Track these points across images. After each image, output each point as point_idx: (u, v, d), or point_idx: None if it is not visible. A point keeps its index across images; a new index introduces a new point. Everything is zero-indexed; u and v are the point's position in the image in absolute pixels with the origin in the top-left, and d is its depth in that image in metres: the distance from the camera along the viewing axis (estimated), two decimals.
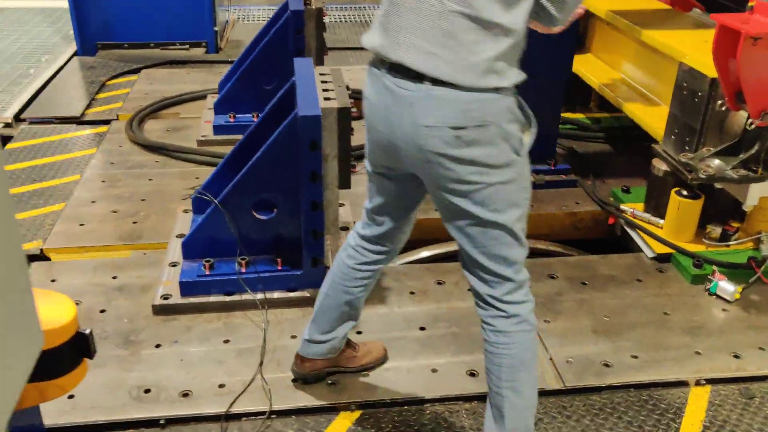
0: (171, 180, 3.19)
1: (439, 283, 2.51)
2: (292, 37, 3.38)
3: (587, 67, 3.62)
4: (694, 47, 2.65)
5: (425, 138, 1.49)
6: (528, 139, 1.58)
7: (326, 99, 2.27)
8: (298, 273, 2.38)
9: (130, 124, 3.69)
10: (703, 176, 2.27)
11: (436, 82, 1.45)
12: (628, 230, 2.83)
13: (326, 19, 3.60)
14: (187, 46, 5.09)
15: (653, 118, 2.93)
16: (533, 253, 2.87)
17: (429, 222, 2.91)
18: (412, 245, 2.91)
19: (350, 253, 1.89)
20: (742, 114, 2.27)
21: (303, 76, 2.47)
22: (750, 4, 2.11)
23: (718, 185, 2.45)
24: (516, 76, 1.50)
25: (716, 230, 2.65)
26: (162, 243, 2.65)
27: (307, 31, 3.44)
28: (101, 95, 4.22)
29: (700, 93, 2.44)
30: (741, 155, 2.28)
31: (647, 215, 2.80)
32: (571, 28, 3.03)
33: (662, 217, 2.74)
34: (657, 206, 2.79)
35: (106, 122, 3.83)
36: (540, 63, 3.05)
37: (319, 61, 3.54)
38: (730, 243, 2.62)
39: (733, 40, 2.06)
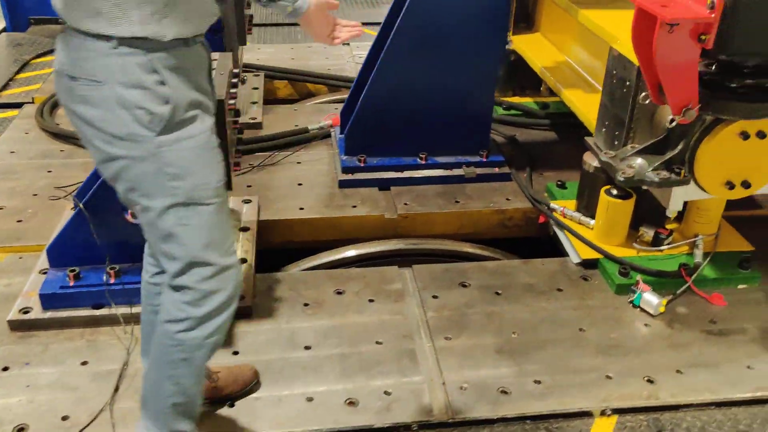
0: (73, 172, 2.94)
1: (339, 293, 2.28)
2: None
3: (532, 48, 3.35)
4: (629, 31, 2.39)
5: (56, 85, 1.41)
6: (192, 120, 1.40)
7: None
8: None
9: (41, 108, 3.43)
10: (621, 178, 2.03)
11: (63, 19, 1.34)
12: (557, 231, 2.59)
13: None
14: None
15: (590, 107, 2.67)
16: (450, 256, 2.68)
17: (342, 221, 2.68)
18: (325, 247, 2.70)
19: (145, 266, 1.68)
20: (668, 109, 2.02)
21: None
22: None
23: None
24: (141, 26, 1.29)
25: (649, 233, 2.41)
26: (42, 245, 2.41)
27: (225, 7, 3.16)
28: (22, 75, 3.96)
29: (628, 83, 2.19)
30: (665, 155, 2.03)
31: (578, 215, 2.56)
32: (502, 3, 2.82)
33: (594, 217, 2.50)
34: (588, 205, 2.55)
35: (20, 105, 3.58)
36: (466, 42, 2.85)
37: (241, 41, 3.27)
38: (663, 248, 2.38)
39: (650, 25, 1.80)
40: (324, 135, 3.25)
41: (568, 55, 3.19)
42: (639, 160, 2.06)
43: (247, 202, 2.66)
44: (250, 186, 2.85)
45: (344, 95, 3.60)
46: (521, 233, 2.82)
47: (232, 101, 2.13)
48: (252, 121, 3.35)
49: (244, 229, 2.49)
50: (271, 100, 3.94)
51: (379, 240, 2.62)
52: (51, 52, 4.26)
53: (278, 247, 2.69)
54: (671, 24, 1.72)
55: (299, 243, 2.70)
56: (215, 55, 2.27)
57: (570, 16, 3.04)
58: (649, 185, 2.04)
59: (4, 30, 4.62)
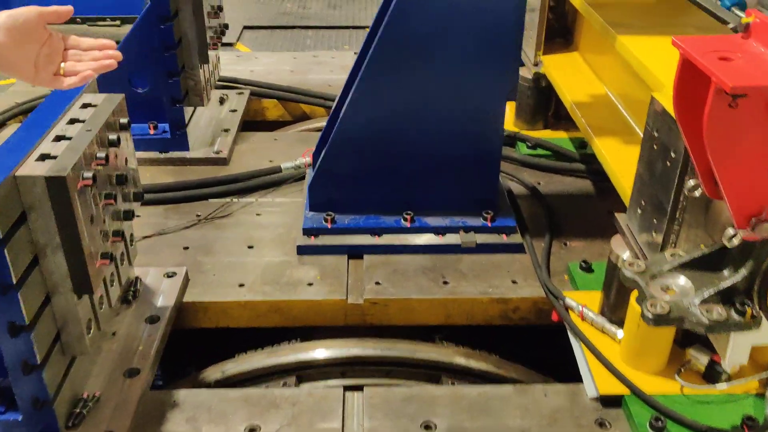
0: None
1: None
2: (156, 28, 2.52)
3: (565, 72, 2.64)
4: None
5: None
6: None
7: (41, 158, 1.42)
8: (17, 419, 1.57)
9: None
10: (650, 315, 1.33)
11: None
12: (572, 339, 1.89)
13: None
14: (118, 22, 4.30)
15: (626, 167, 1.96)
16: (428, 367, 2.02)
17: (291, 306, 2.05)
18: (265, 338, 2.09)
19: None
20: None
21: (47, 107, 1.62)
22: (744, 18, 1.14)
23: None
24: None
25: (701, 359, 1.69)
26: None
27: (181, 18, 2.57)
28: None
29: (673, 155, 1.48)
30: (722, 279, 1.32)
31: (601, 320, 1.86)
32: (509, 7, 2.07)
33: (622, 325, 1.80)
34: (616, 307, 1.84)
35: None
36: (465, 62, 2.09)
37: (203, 59, 2.67)
38: (720, 386, 1.66)
39: (701, 87, 1.10)
40: (300, 176, 2.64)
41: (609, 86, 2.46)
42: (681, 281, 1.36)
43: (171, 275, 2.07)
44: (186, 248, 2.26)
45: None
46: (530, 324, 2.14)
47: (98, 164, 1.53)
48: (215, 155, 2.76)
49: (153, 320, 1.90)
50: (257, 123, 3.34)
51: (329, 339, 1.98)
52: None
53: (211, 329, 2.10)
54: (735, 95, 1.02)
55: (236, 329, 2.10)
56: (91, 97, 1.68)
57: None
58: (694, 328, 1.34)
59: None
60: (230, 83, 3.38)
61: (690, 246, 1.47)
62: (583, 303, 1.92)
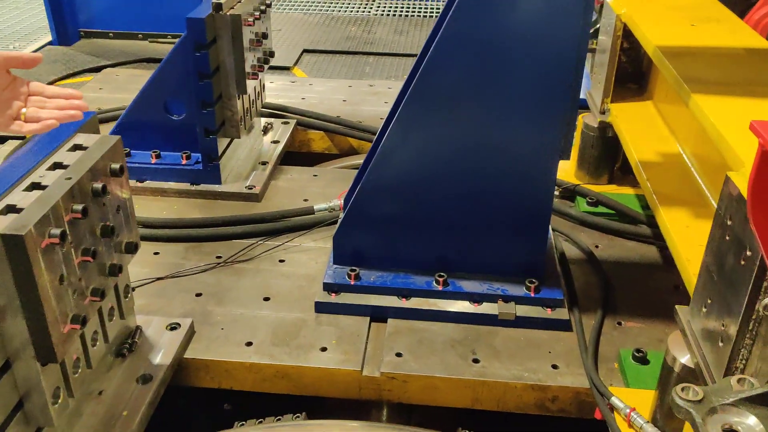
0: None
1: None
2: (192, 55, 2.38)
3: (634, 124, 2.35)
4: None
5: None
6: None
7: (5, 210, 1.27)
8: None
9: None
10: None
11: None
12: None
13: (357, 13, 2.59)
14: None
15: (692, 249, 1.67)
16: None
17: (301, 373, 1.84)
18: (270, 407, 1.89)
19: None
20: None
21: (35, 146, 1.47)
22: None
23: None
24: None
25: None
26: None
27: (219, 46, 2.43)
28: None
29: (749, 253, 1.20)
30: None
31: (652, 430, 1.57)
32: (567, 47, 1.70)
33: None
34: (671, 416, 1.55)
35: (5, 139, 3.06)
36: (512, 104, 1.78)
37: (241, 89, 2.52)
38: None
39: None
40: (334, 220, 2.44)
41: (684, 145, 2.16)
42: (750, 421, 1.07)
43: (174, 328, 1.90)
44: (199, 295, 2.09)
45: None
46: (569, 417, 1.86)
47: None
48: (248, 191, 2.59)
49: (145, 380, 1.73)
50: (301, 154, 3.17)
51: (335, 422, 1.76)
52: (79, 72, 3.76)
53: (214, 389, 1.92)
54: None
55: (239, 392, 1.91)
56: (84, 138, 1.52)
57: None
58: None
59: (50, 43, 4.19)
60: (277, 111, 3.23)
61: (765, 369, 1.18)
62: (633, 405, 1.63)
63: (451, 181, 1.94)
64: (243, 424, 1.81)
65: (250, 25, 2.48)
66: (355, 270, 2.04)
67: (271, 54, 2.77)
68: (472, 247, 2.03)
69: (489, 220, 1.99)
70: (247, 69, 2.50)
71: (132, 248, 1.61)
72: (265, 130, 3.03)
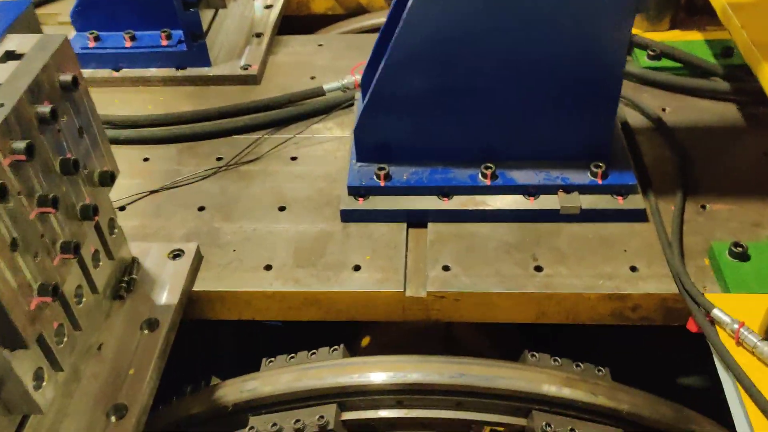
0: None
1: None
2: None
3: None
4: None
5: None
6: None
7: None
8: None
9: None
10: None
11: None
12: (720, 372, 1.34)
13: None
14: None
15: None
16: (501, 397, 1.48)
17: (332, 299, 1.57)
18: (302, 334, 1.63)
19: None
20: None
21: None
22: None
23: None
24: None
25: None
26: None
27: None
28: None
29: None
30: None
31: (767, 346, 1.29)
32: None
33: None
34: None
35: None
36: None
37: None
38: None
39: None
40: (349, 101, 2.06)
41: None
42: None
43: (177, 255, 1.59)
44: (202, 209, 1.77)
45: None
46: (653, 325, 1.59)
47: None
48: (243, 71, 2.19)
49: (151, 326, 1.45)
50: (301, 18, 2.72)
51: (382, 357, 1.48)
52: None
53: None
54: None
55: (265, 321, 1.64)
56: (17, 41, 1.13)
57: None
58: None
59: None
60: None
61: None
62: (737, 315, 1.35)
63: (499, 45, 1.53)
64: (272, 361, 1.55)
65: None
66: (384, 168, 1.70)
67: None
68: (524, 128, 1.67)
69: (545, 93, 1.61)
70: None
71: (107, 179, 1.26)
72: None
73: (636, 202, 1.65)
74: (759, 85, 1.67)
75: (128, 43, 2.19)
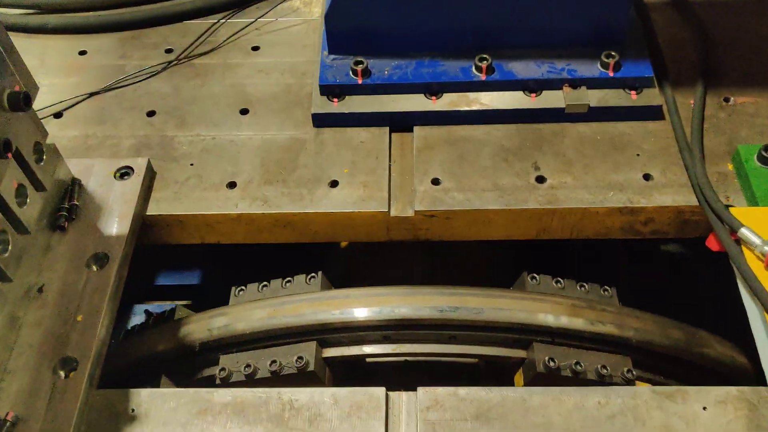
0: None
1: None
2: None
3: None
4: None
5: None
6: None
7: None
8: None
9: None
10: None
11: None
12: (743, 293, 1.20)
13: None
14: None
15: None
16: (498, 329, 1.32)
17: (307, 221, 1.38)
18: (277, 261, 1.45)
19: None
20: None
21: None
22: None
23: None
24: None
25: None
26: None
27: None
28: None
29: None
30: None
31: None
32: None
33: None
34: None
35: None
36: None
37: None
38: None
39: None
40: None
41: None
42: None
43: (126, 174, 1.37)
44: (152, 114, 1.52)
45: None
46: (665, 238, 1.43)
47: None
48: None
49: (99, 262, 1.26)
50: None
51: (364, 290, 1.31)
52: None
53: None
54: None
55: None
56: None
57: None
58: None
59: None
60: None
61: None
62: (763, 232, 1.19)
63: None
64: (242, 290, 1.39)
65: None
66: (361, 62, 1.45)
67: None
68: (524, 6, 1.42)
69: None
70: None
71: (20, 102, 1.02)
72: None
73: (651, 97, 1.44)
74: None
75: None
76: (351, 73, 1.45)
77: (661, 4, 1.66)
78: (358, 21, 1.44)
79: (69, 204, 1.30)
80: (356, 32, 1.46)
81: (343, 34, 1.46)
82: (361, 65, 1.45)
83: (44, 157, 1.18)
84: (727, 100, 1.47)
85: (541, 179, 1.37)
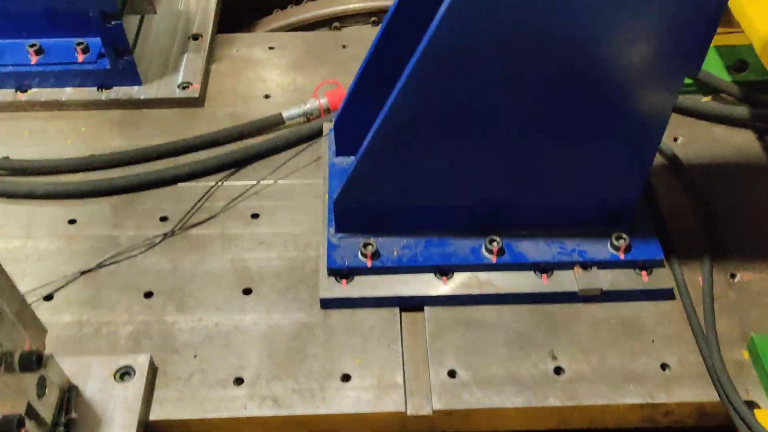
0: None
1: None
2: None
3: None
4: None
5: None
6: None
7: None
8: None
9: None
10: None
11: None
12: None
13: None
14: None
15: None
16: None
17: (315, 423, 1.32)
18: None
19: None
20: None
21: None
22: None
23: None
24: None
25: None
26: None
27: None
28: None
29: None
30: None
31: None
32: None
33: None
34: None
35: None
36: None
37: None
38: None
39: None
40: (314, 132, 1.73)
41: None
42: None
43: (125, 374, 1.29)
44: (149, 295, 1.45)
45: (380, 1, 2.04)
46: (684, 428, 1.41)
47: None
48: (182, 90, 1.81)
49: None
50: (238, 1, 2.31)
51: None
52: None
53: None
54: None
55: None
56: None
57: None
58: None
59: None
60: None
61: None
62: None
63: (521, 96, 1.24)
64: None
65: None
66: (370, 243, 1.42)
67: None
68: (538, 186, 1.41)
69: (569, 145, 1.34)
70: None
71: (32, 363, 0.94)
72: None
73: (662, 278, 1.43)
74: None
75: (33, 59, 1.77)
76: (360, 255, 1.42)
77: (658, 168, 1.68)
78: (368, 203, 1.41)
79: (66, 419, 1.21)
80: (364, 213, 1.43)
81: (350, 215, 1.43)
82: (370, 247, 1.41)
83: (45, 391, 1.09)
84: (733, 276, 1.48)
85: (558, 370, 1.34)
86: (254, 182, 1.65)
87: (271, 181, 1.66)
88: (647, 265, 1.43)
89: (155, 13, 1.76)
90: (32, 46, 1.76)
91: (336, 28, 2.19)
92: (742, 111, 1.73)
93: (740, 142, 1.73)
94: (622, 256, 1.42)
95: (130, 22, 1.76)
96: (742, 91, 1.77)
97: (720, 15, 1.14)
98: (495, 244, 1.42)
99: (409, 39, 1.24)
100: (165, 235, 1.54)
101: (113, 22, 1.67)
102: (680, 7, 1.11)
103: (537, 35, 1.15)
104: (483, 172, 1.38)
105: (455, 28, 1.12)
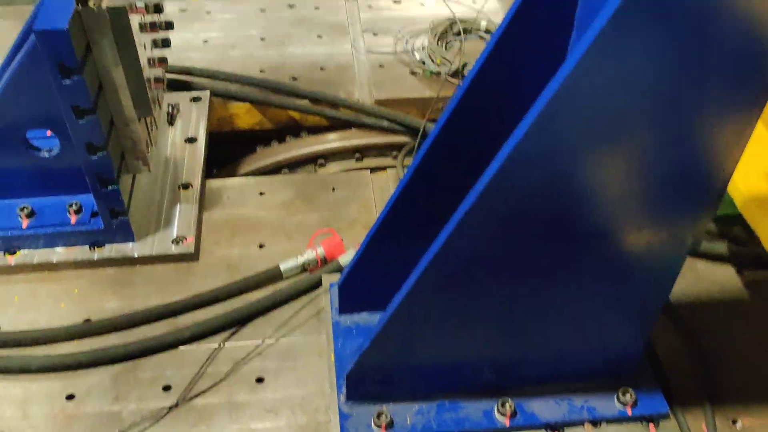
0: None
1: None
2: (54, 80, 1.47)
3: None
4: None
5: None
6: None
7: None
8: None
9: None
10: None
11: None
12: None
13: None
14: None
15: None
16: None
17: None
18: None
19: None
20: None
21: None
22: None
23: None
24: None
25: None
26: None
27: (97, 57, 1.51)
28: None
29: None
30: None
31: None
32: None
33: None
34: None
35: None
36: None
37: (143, 109, 1.65)
38: None
39: None
40: (313, 285, 1.74)
41: None
42: None
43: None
44: None
45: (362, 139, 2.09)
46: None
47: None
48: (176, 245, 1.81)
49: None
50: (225, 135, 2.34)
51: None
52: None
53: None
54: None
55: None
56: None
57: None
58: None
59: None
60: (181, 74, 2.32)
61: None
62: None
63: (550, 255, 1.27)
64: None
65: (140, 12, 1.56)
66: (383, 413, 1.42)
67: (169, 26, 1.84)
68: (548, 342, 1.44)
69: (577, 309, 1.38)
70: (148, 74, 1.62)
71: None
72: (171, 119, 2.16)
73: (669, 431, 1.47)
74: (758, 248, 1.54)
75: (25, 222, 1.75)
76: (374, 426, 1.42)
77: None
78: (381, 371, 1.42)
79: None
80: (378, 380, 1.43)
81: (363, 386, 1.43)
82: (384, 417, 1.41)
83: None
84: (734, 422, 1.52)
85: None
86: (258, 342, 1.63)
87: (273, 340, 1.65)
88: (654, 418, 1.47)
89: (150, 171, 1.77)
90: (23, 209, 1.75)
91: (321, 165, 2.23)
92: (721, 247, 1.82)
93: (721, 277, 1.81)
94: (629, 412, 1.46)
95: (125, 182, 1.76)
96: (718, 226, 1.86)
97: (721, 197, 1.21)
98: (508, 406, 1.44)
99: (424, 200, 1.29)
100: (170, 408, 1.51)
101: (110, 187, 1.67)
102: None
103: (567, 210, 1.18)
104: (499, 327, 1.40)
105: (505, 191, 1.13)
